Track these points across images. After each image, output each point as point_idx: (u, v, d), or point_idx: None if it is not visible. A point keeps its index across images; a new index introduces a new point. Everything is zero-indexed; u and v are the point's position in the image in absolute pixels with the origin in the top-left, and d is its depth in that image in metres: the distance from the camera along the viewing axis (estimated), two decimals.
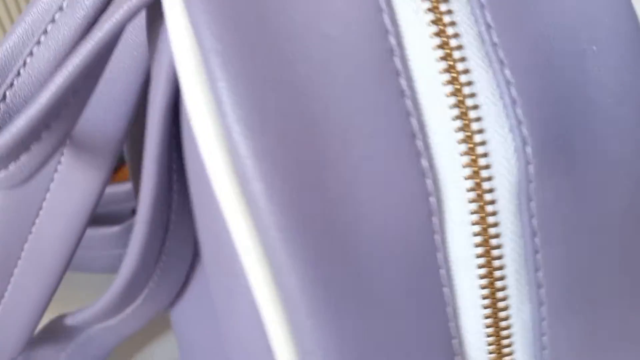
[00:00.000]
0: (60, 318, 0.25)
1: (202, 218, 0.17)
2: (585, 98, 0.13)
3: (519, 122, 0.13)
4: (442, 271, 0.14)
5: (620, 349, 0.15)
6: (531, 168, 0.14)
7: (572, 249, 0.14)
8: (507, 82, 0.13)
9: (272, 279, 0.13)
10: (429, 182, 0.13)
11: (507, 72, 0.13)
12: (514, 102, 0.13)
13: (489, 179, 0.14)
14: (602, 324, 0.15)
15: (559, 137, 0.14)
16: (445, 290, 0.14)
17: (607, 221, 0.14)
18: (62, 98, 0.14)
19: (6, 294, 0.22)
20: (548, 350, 0.15)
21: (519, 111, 0.13)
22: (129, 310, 0.23)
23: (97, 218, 0.21)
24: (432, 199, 0.13)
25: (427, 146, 0.13)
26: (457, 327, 0.15)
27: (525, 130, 0.13)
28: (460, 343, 0.15)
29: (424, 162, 0.13)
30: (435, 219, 0.14)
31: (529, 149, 0.14)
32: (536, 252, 0.14)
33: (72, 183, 0.19)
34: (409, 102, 0.13)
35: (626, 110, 0.14)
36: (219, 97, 0.12)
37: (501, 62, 0.13)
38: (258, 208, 0.13)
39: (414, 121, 0.13)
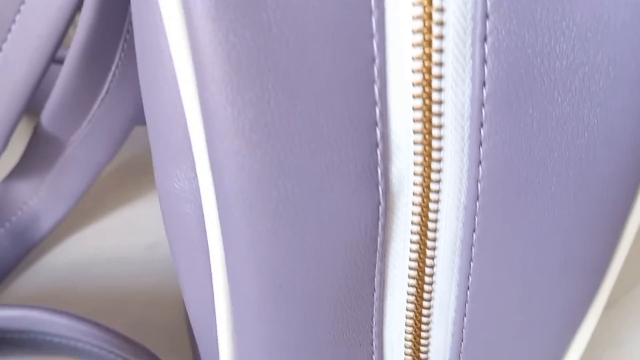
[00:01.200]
0: (35, 132, 0.25)
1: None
2: None
3: None
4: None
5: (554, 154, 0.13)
6: None
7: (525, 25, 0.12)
8: None
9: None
10: None
11: None
12: None
13: None
14: (542, 127, 0.13)
15: None
16: (374, 41, 0.13)
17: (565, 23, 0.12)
18: None
19: None
20: (485, 144, 0.13)
21: None
22: (95, 107, 0.22)
23: None
24: None
25: None
26: (382, 93, 0.13)
27: None
28: (383, 113, 0.13)
29: None
30: None
31: None
32: (486, 16, 0.13)
33: None
34: None
35: None
36: None
37: None
38: None
39: None
